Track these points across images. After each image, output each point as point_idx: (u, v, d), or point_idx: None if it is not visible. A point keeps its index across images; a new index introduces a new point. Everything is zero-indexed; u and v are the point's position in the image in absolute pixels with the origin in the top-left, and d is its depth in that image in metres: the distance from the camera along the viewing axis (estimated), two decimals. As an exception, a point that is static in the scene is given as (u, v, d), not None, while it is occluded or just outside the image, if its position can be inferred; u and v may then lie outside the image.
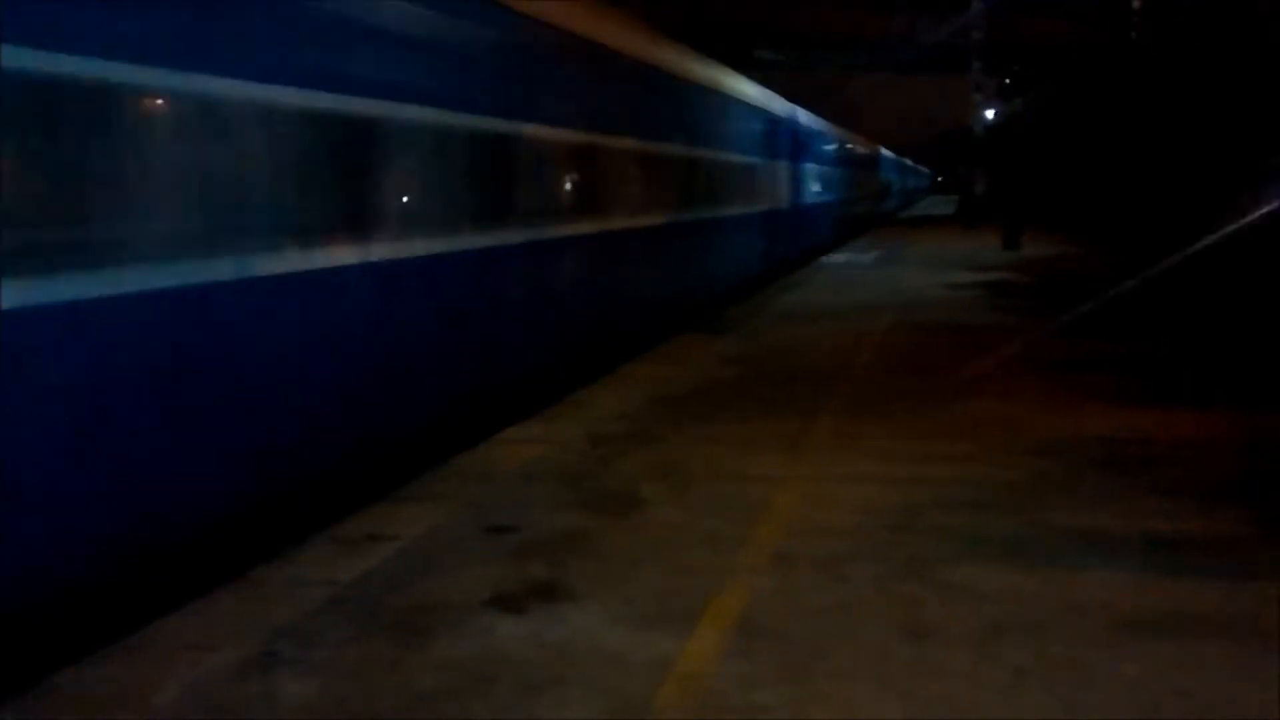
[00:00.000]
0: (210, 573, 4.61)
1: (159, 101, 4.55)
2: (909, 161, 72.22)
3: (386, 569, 4.75)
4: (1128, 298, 13.52)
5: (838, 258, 24.53)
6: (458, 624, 4.14)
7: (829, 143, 28.35)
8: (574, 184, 9.61)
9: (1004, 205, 24.79)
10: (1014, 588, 4.43)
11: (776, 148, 19.73)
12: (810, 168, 24.23)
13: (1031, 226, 25.98)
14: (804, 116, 23.89)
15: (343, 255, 5.80)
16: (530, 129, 8.35)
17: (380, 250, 6.15)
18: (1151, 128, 15.89)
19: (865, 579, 4.55)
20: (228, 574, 4.62)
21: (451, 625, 4.13)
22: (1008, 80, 47.74)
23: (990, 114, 47.84)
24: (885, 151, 49.56)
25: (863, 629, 4.05)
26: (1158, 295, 13.28)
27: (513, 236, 8.00)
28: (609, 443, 7.00)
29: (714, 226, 14.69)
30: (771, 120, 19.44)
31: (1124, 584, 4.45)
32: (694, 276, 14.03)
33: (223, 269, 4.84)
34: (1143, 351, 10.23)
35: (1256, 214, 11.85)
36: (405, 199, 6.61)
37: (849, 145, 33.39)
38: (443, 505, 5.67)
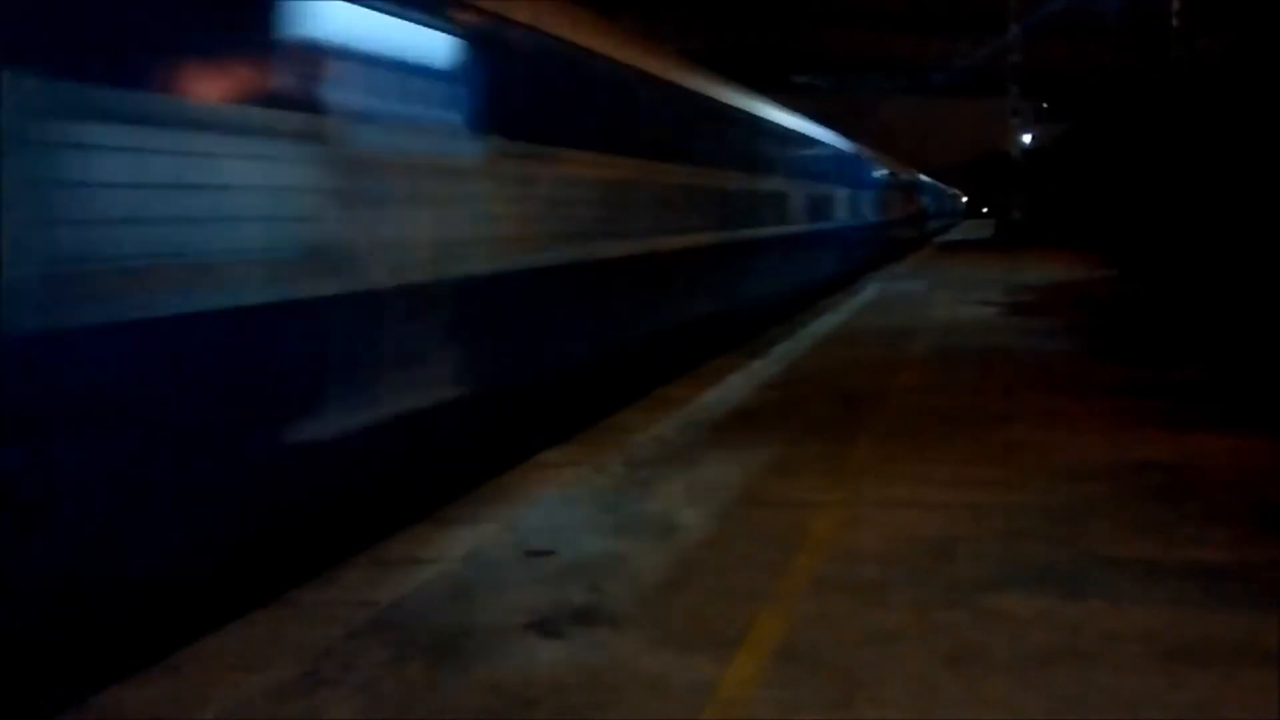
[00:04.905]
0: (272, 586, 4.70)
1: None
2: (943, 185, 71.96)
3: (426, 591, 4.76)
4: (1168, 321, 13.40)
5: (875, 279, 24.45)
6: (497, 648, 4.14)
7: (874, 170, 29.70)
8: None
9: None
10: (1056, 616, 4.38)
11: (832, 175, 22.19)
12: (860, 193, 26.06)
13: (1072, 248, 25.88)
14: (852, 147, 25.64)
15: None
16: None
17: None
18: (1194, 152, 15.77)
19: (906, 606, 4.52)
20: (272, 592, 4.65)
21: (491, 649, 4.13)
22: (1045, 105, 47.56)
23: (1028, 138, 47.73)
24: (921, 176, 49.48)
25: (905, 656, 4.02)
26: (1200, 319, 13.15)
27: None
28: (646, 466, 7.00)
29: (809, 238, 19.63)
30: (829, 151, 22.41)
31: (1168, 613, 4.38)
32: (803, 270, 19.28)
33: None
34: (1183, 375, 10.12)
35: None
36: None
37: (889, 171, 33.73)
38: (481, 528, 5.68)
